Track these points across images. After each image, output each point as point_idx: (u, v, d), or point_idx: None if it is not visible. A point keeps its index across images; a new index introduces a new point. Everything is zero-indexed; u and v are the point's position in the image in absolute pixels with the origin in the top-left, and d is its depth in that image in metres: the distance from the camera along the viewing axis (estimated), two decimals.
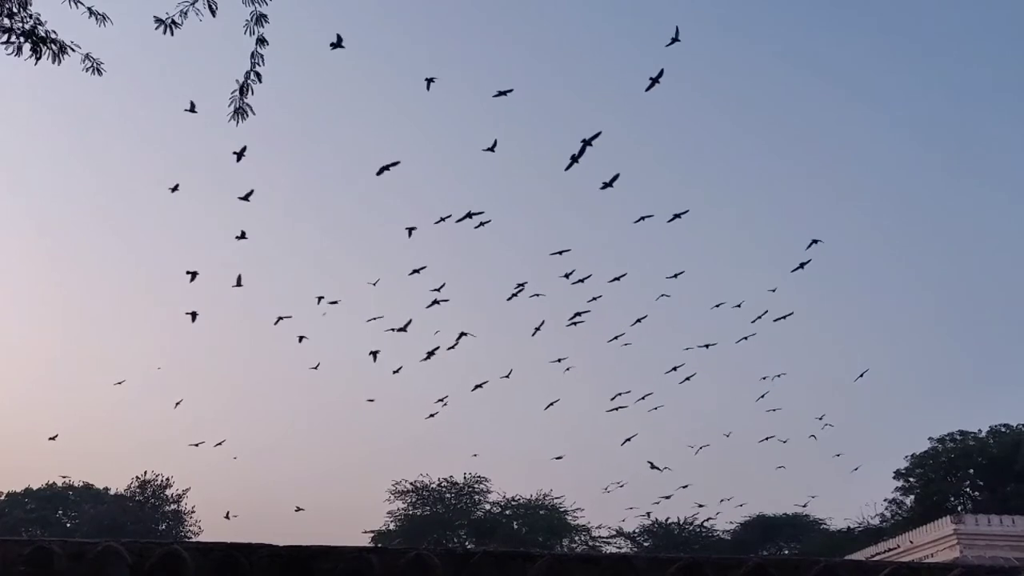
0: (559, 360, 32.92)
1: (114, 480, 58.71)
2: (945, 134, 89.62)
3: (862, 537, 48.17)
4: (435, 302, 27.44)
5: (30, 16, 7.30)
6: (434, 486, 56.71)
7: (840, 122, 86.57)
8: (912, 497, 51.27)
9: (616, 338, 31.01)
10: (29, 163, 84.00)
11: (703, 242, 76.02)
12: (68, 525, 55.63)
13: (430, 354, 28.61)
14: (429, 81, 20.89)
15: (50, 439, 28.50)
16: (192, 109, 19.84)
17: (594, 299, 28.54)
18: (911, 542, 36.64)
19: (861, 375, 29.53)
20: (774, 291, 29.53)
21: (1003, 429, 50.11)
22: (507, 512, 57.13)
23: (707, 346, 32.25)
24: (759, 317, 29.65)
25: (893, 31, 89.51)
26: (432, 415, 34.06)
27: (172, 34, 7.14)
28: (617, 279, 28.48)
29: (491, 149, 22.85)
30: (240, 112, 7.41)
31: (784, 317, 29.06)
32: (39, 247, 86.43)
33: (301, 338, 27.81)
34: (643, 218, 26.14)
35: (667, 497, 41.22)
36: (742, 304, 30.40)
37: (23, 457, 71.27)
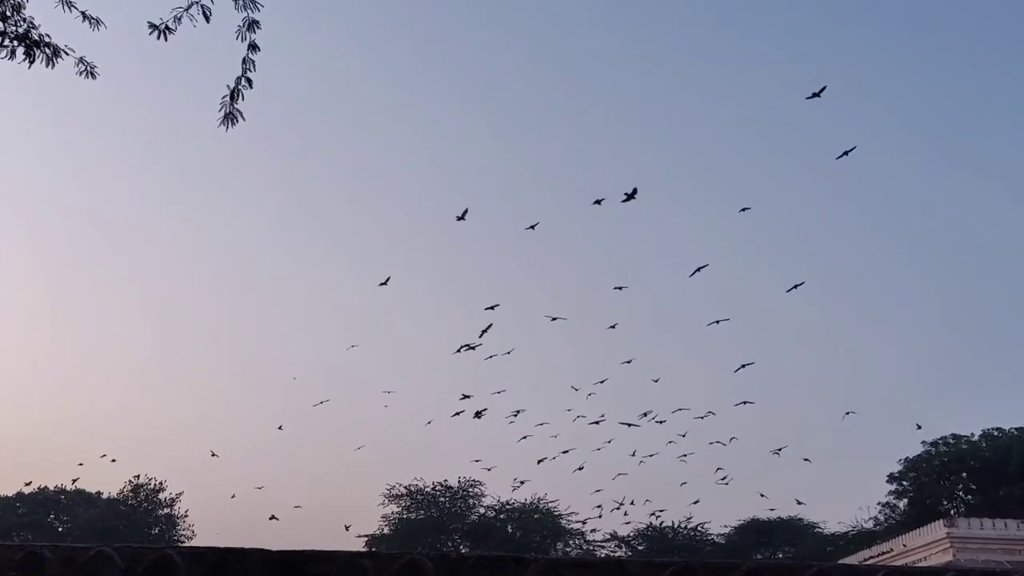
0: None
1: (107, 484, 58.43)
2: (947, 130, 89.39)
3: (856, 541, 48.25)
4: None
5: (24, 20, 7.31)
6: (428, 490, 56.70)
7: (839, 115, 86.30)
8: (905, 501, 51.36)
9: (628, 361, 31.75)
10: (24, 165, 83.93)
11: (701, 241, 76.14)
12: (60, 529, 55.34)
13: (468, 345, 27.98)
14: (533, 226, 21.59)
15: None
16: (463, 217, 20.16)
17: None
18: (904, 546, 36.71)
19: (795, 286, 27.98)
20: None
21: (996, 432, 50.22)
22: (501, 516, 57.11)
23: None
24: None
25: (893, 23, 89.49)
26: (429, 422, 34.23)
27: (166, 39, 7.15)
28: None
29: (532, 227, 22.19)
30: (230, 117, 7.42)
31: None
32: (30, 249, 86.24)
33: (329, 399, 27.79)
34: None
35: (632, 503, 42.10)
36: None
37: (19, 459, 70.98)
